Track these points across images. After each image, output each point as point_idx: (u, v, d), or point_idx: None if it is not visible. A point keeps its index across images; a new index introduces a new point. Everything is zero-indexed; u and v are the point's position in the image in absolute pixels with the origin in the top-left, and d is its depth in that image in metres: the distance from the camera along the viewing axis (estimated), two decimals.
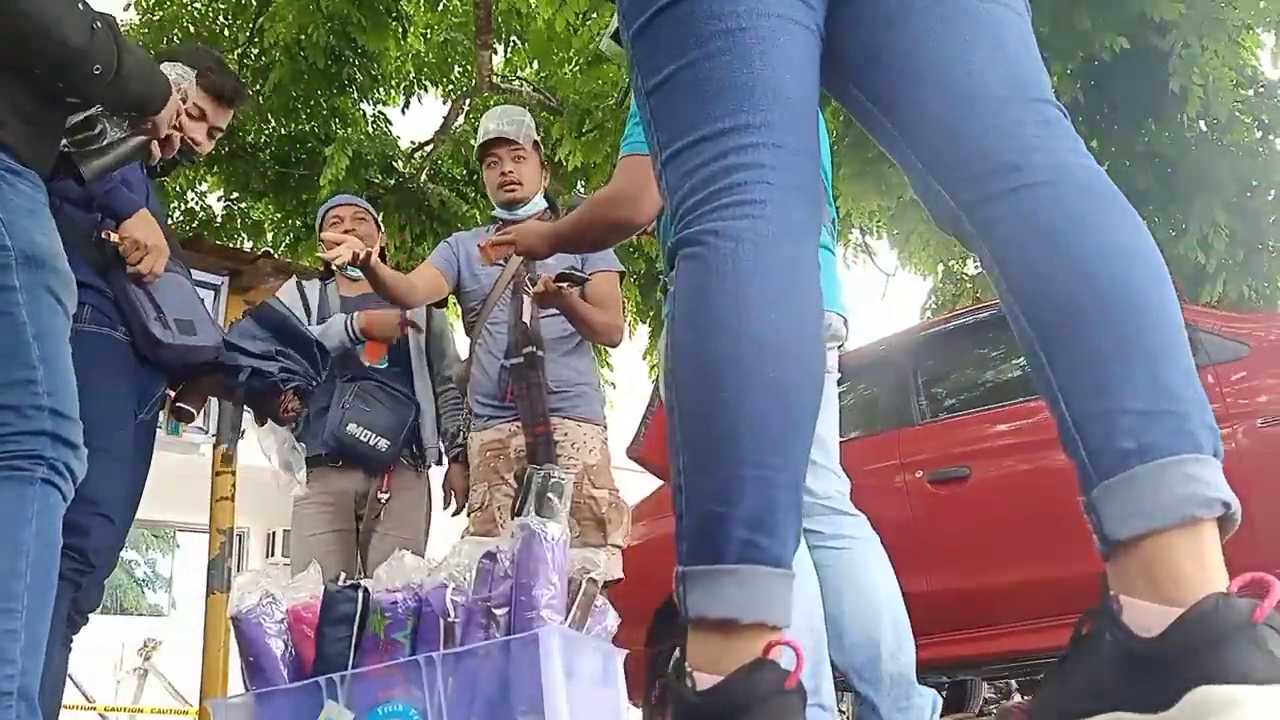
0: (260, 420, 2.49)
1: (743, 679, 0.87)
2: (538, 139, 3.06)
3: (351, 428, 3.03)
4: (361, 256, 2.58)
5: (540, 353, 2.80)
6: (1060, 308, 0.88)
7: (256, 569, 1.75)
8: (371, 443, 3.04)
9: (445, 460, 3.23)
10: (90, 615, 2.18)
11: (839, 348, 2.15)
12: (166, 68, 1.97)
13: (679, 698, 0.91)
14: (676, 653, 0.96)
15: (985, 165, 0.95)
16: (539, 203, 2.99)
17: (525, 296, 2.84)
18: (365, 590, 1.67)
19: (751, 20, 0.99)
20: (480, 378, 2.93)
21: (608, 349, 7.40)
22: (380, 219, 3.47)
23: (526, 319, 2.83)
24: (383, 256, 3.39)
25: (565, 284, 2.70)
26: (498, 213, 3.06)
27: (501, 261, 2.91)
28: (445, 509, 3.18)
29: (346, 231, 3.20)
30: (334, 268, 2.87)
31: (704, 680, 0.90)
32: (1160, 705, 0.76)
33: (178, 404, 2.31)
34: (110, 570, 2.20)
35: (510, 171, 2.94)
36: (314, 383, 2.42)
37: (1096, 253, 0.89)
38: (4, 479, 1.36)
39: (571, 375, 2.87)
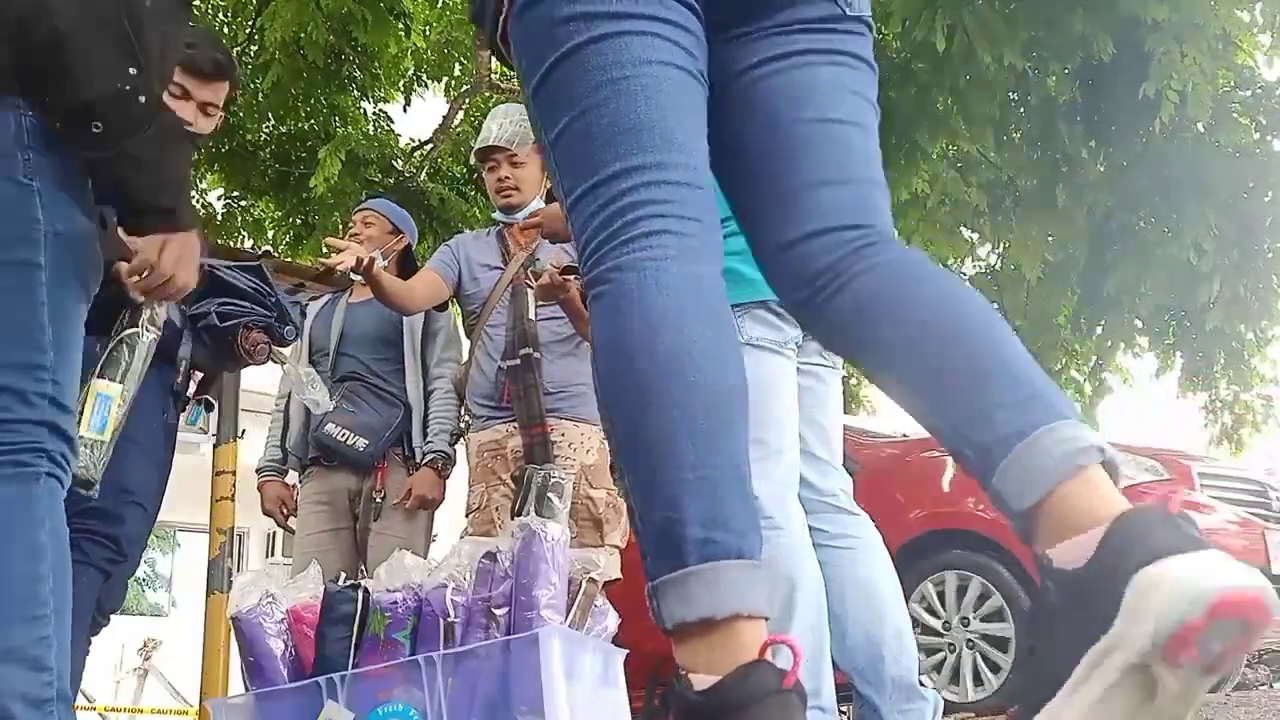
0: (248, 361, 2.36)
1: (739, 679, 0.89)
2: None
3: (329, 428, 3.07)
4: (365, 263, 2.61)
5: (537, 354, 2.82)
6: (918, 358, 1.01)
7: (256, 569, 1.75)
8: (350, 442, 3.06)
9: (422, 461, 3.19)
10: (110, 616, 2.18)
11: None
12: None
13: (679, 697, 0.93)
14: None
15: (811, 269, 1.08)
16: (538, 205, 3.00)
17: (529, 290, 2.86)
18: (365, 590, 1.67)
19: (636, 69, 1.06)
20: (478, 379, 2.95)
21: None
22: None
23: (532, 314, 2.85)
24: (409, 255, 3.39)
25: (571, 276, 2.72)
26: (497, 215, 3.09)
27: (501, 265, 2.97)
28: (398, 501, 3.14)
29: (352, 235, 3.22)
30: (338, 272, 2.88)
31: (701, 680, 0.91)
32: (1112, 616, 0.80)
33: (199, 396, 2.30)
34: (135, 568, 2.19)
35: (507, 178, 2.96)
36: (269, 314, 2.31)
37: (929, 304, 1.02)
38: (10, 476, 1.32)
39: (569, 376, 2.88)
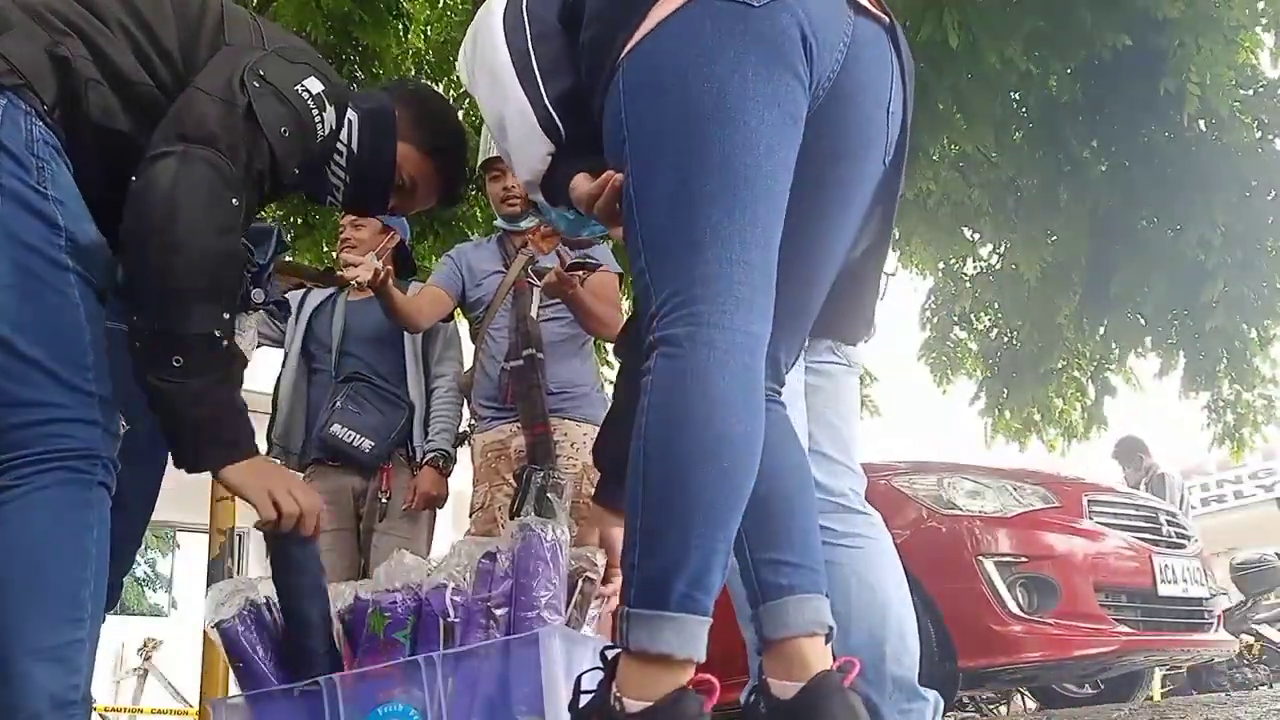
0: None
1: (670, 704, 1.08)
2: None
3: (335, 429, 3.08)
4: (381, 278, 2.68)
5: (540, 355, 2.85)
6: (759, 497, 1.22)
7: (223, 583, 1.74)
8: (355, 443, 3.07)
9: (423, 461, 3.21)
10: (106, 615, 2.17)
11: (862, 342, 2.15)
12: None
13: (610, 714, 1.11)
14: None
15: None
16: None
17: (534, 288, 2.87)
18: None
19: (747, 152, 1.16)
20: (482, 381, 2.98)
21: (608, 348, 7.42)
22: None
23: (534, 313, 2.89)
24: (404, 250, 3.38)
25: (579, 272, 2.74)
26: (499, 223, 3.11)
27: (503, 269, 3.01)
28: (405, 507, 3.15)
29: (343, 240, 3.22)
30: (354, 285, 2.88)
31: (632, 704, 1.09)
32: None
33: None
34: (128, 567, 2.19)
35: (512, 187, 2.97)
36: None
37: (782, 465, 1.30)
38: (66, 481, 1.35)
39: (572, 377, 2.91)
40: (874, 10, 1.30)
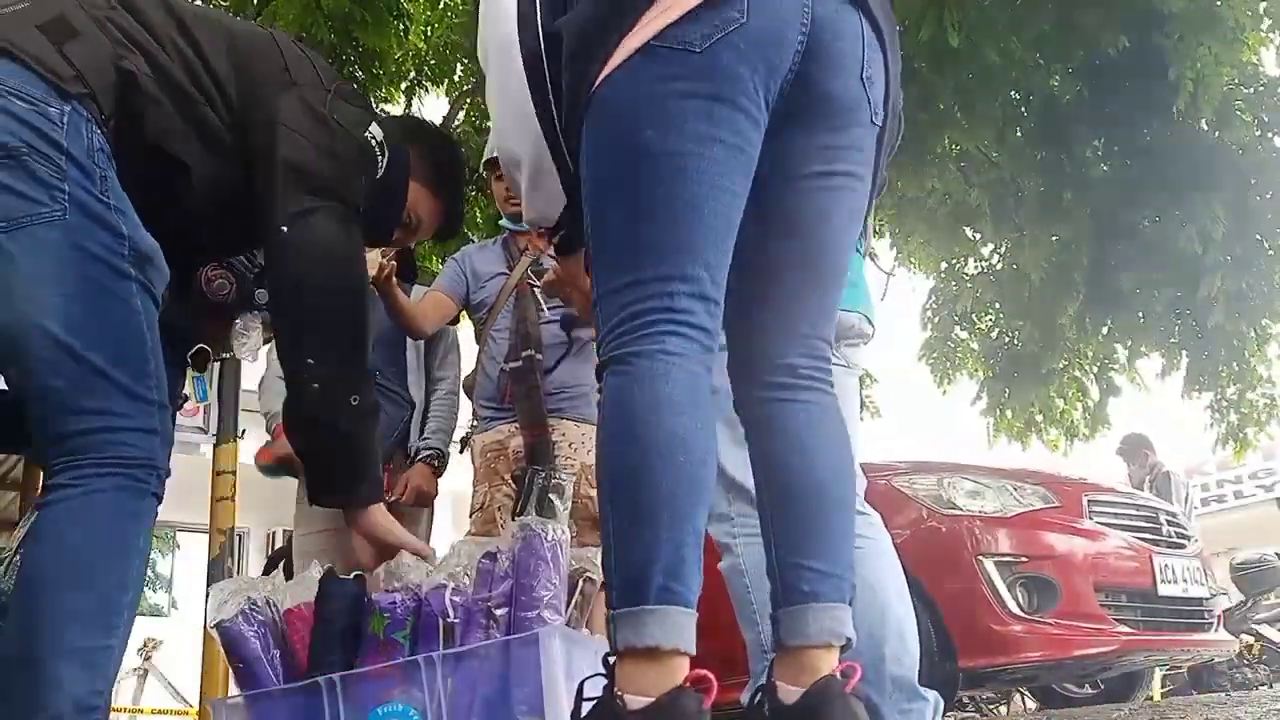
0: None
1: (669, 702, 1.11)
2: None
3: None
4: (384, 275, 2.70)
5: (539, 356, 2.85)
6: (791, 497, 1.32)
7: (224, 583, 1.74)
8: None
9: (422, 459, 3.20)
10: None
11: (863, 344, 2.16)
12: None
13: (614, 716, 1.13)
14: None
15: (765, 377, 1.35)
16: None
17: (534, 288, 2.88)
18: (361, 578, 1.68)
19: (691, 187, 1.21)
20: (483, 382, 2.99)
21: None
22: None
23: (545, 311, 2.89)
24: (410, 254, 3.38)
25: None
26: (505, 223, 3.13)
27: (507, 271, 3.02)
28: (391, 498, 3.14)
29: None
30: None
31: (634, 701, 1.12)
32: None
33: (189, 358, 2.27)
34: None
35: None
36: (248, 268, 2.29)
37: (820, 465, 1.33)
38: (122, 488, 1.35)
39: (571, 378, 2.90)
40: None
